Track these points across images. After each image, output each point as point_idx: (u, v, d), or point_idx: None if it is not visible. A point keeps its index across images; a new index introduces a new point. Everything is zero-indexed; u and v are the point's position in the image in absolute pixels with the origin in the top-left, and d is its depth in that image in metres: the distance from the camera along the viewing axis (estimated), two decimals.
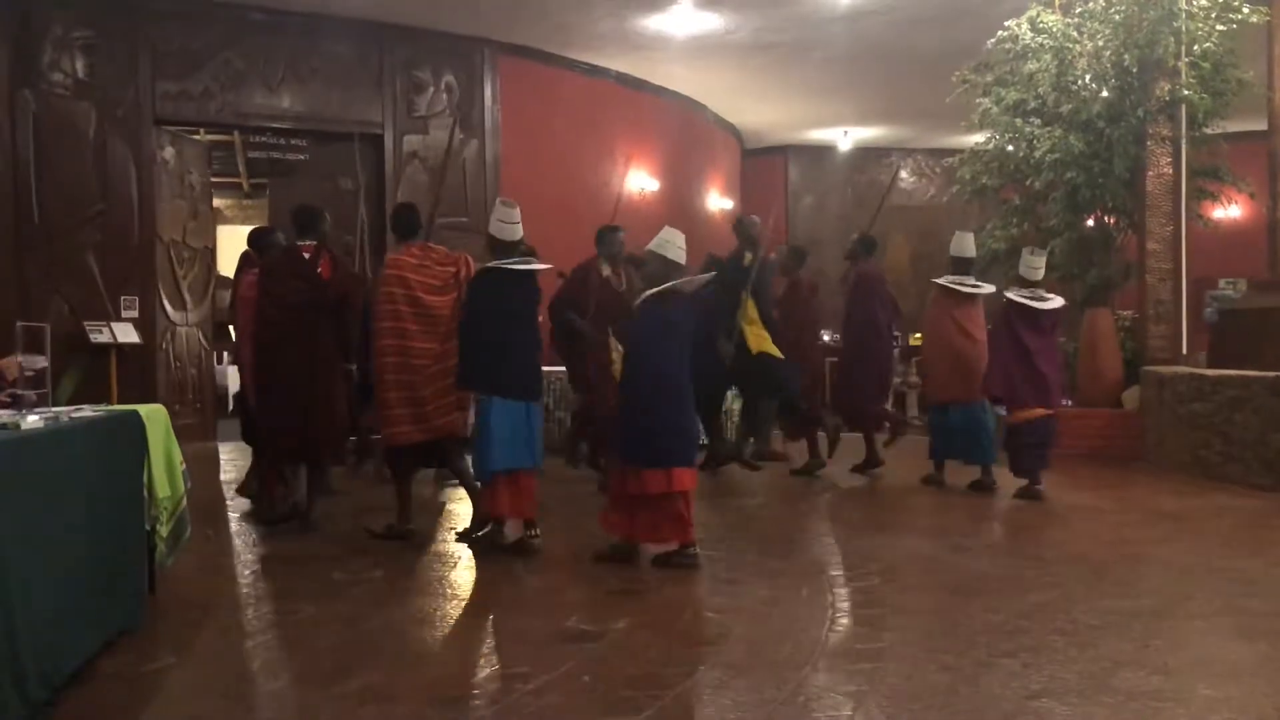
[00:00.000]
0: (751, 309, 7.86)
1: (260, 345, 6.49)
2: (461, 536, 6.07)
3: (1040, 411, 7.28)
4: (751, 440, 8.65)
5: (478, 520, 6.01)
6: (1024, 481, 7.37)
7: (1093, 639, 4.02)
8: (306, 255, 6.35)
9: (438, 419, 5.91)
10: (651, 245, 5.57)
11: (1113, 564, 5.39)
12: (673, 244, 5.51)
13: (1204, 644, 4.07)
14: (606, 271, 7.41)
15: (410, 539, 5.95)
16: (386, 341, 5.89)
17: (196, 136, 12.53)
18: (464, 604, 4.83)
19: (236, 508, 7.22)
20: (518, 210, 5.77)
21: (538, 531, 5.75)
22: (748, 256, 7.98)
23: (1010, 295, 7.53)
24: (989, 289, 8.12)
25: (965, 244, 8.12)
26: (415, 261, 5.98)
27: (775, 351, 7.88)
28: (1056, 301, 7.50)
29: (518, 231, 5.72)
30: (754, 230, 8.16)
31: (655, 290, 5.36)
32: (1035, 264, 7.53)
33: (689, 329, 5.47)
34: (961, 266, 8.01)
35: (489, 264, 5.65)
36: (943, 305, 7.98)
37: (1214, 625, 4.33)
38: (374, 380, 6.05)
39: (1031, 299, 7.37)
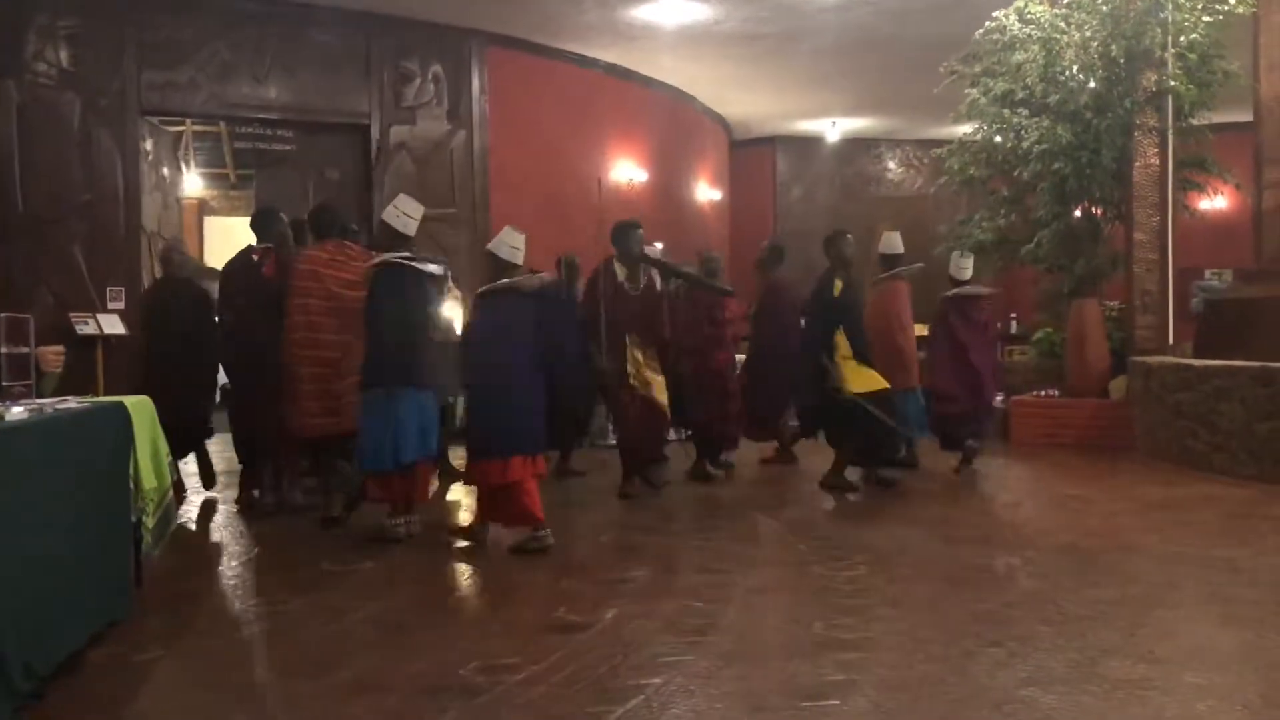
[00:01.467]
0: (844, 345, 7.05)
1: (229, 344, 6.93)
2: (334, 522, 6.21)
3: (965, 406, 7.87)
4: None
5: (350, 506, 6.25)
6: (955, 461, 8.03)
7: (1080, 628, 4.04)
8: (256, 257, 6.70)
9: (348, 413, 5.99)
10: (490, 244, 5.76)
11: (1100, 553, 5.41)
12: (507, 243, 5.69)
13: (1190, 632, 4.09)
14: (622, 275, 7.00)
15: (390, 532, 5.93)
16: (298, 335, 6.08)
17: (181, 128, 12.48)
18: (453, 595, 4.83)
19: (224, 500, 7.20)
20: (417, 205, 5.93)
21: (414, 519, 5.88)
22: (838, 285, 7.14)
23: (946, 295, 8.20)
24: (918, 266, 8.48)
25: (894, 242, 8.45)
26: (328, 257, 6.20)
27: (872, 385, 7.05)
28: (985, 289, 8.29)
29: (413, 227, 5.86)
30: (848, 250, 7.32)
31: (489, 287, 5.56)
32: (964, 264, 8.24)
33: (529, 326, 5.62)
34: (890, 264, 8.37)
35: (385, 258, 5.76)
36: (879, 301, 8.29)
37: (1200, 614, 4.36)
38: (286, 374, 6.22)
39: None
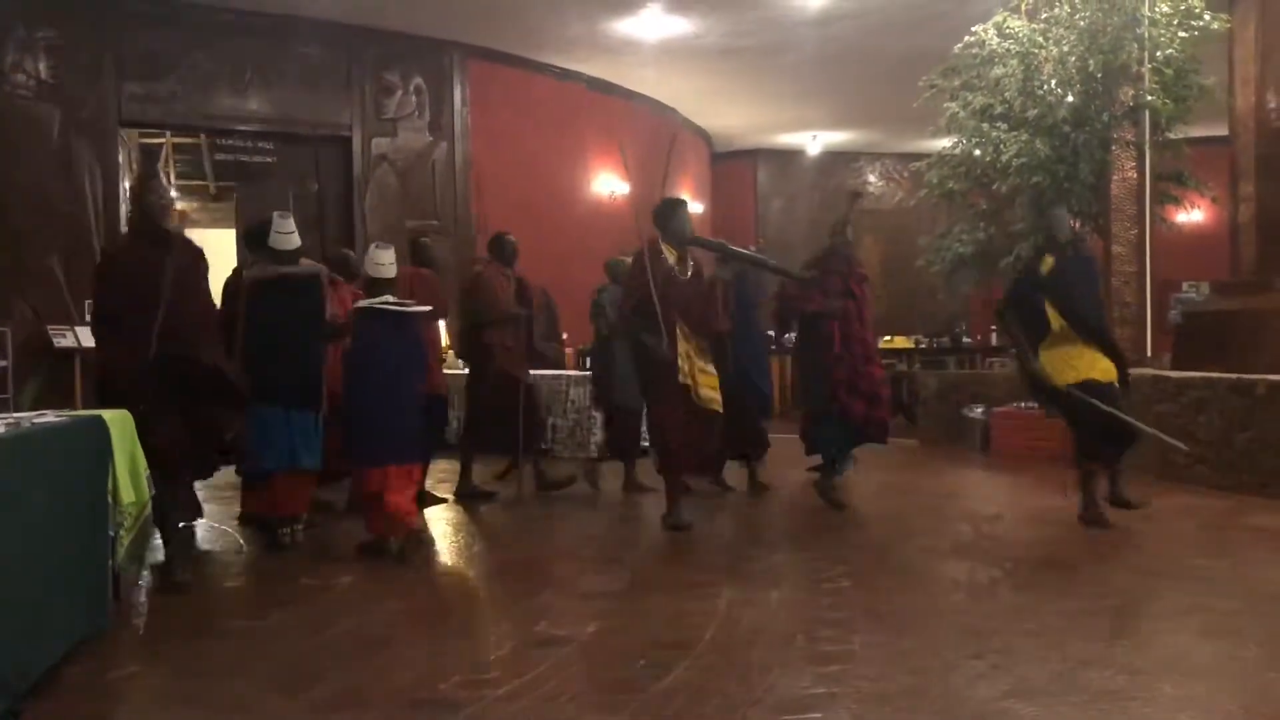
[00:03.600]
0: (1060, 326, 6.26)
1: None
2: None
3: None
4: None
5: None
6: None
7: (1060, 639, 4.05)
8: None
9: None
10: (365, 264, 5.94)
11: (1079, 564, 5.44)
12: (374, 260, 5.93)
13: (1170, 643, 4.11)
14: (672, 259, 6.35)
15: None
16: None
17: (160, 140, 12.42)
18: (433, 609, 4.81)
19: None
20: (291, 221, 6.06)
21: (293, 530, 6.00)
22: (1048, 261, 6.39)
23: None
24: None
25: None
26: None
27: (1083, 372, 6.19)
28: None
29: (292, 242, 5.98)
30: (1058, 225, 6.55)
31: (366, 304, 5.72)
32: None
33: (404, 341, 5.76)
34: None
35: (255, 274, 5.93)
36: None
37: (1180, 625, 4.38)
38: None
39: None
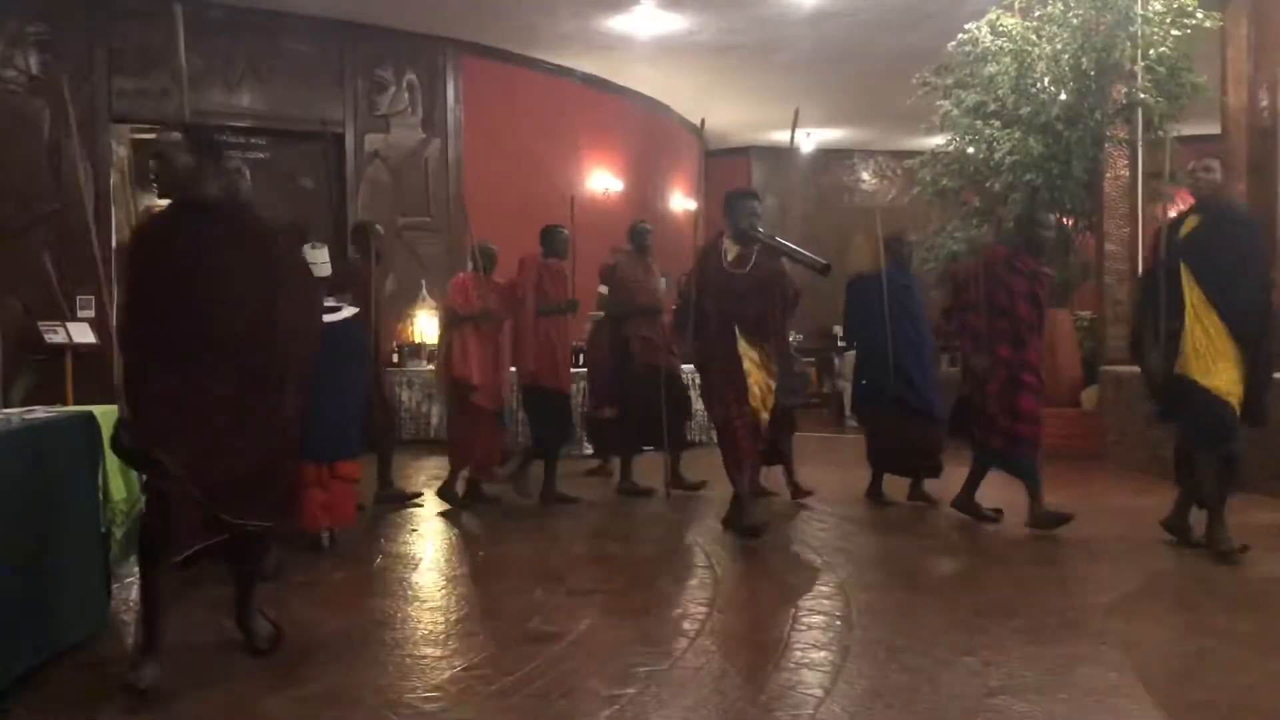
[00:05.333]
0: (1197, 300, 5.22)
1: None
2: None
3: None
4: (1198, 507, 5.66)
5: None
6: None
7: (1051, 636, 4.06)
8: None
9: None
10: None
11: (1070, 562, 5.45)
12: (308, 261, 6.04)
13: (1159, 640, 4.12)
14: (731, 254, 6.02)
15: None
16: None
17: (152, 135, 12.38)
18: (424, 606, 4.80)
19: None
20: None
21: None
22: (1190, 222, 5.35)
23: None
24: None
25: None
26: None
27: (1219, 383, 5.22)
28: None
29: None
30: (1203, 180, 5.30)
31: None
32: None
33: (330, 341, 5.55)
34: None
35: None
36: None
37: (1169, 622, 4.39)
38: None
39: None
